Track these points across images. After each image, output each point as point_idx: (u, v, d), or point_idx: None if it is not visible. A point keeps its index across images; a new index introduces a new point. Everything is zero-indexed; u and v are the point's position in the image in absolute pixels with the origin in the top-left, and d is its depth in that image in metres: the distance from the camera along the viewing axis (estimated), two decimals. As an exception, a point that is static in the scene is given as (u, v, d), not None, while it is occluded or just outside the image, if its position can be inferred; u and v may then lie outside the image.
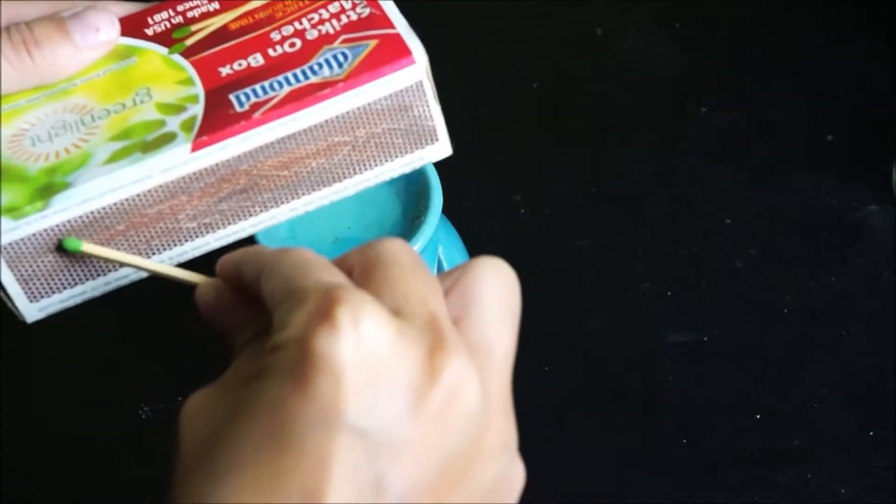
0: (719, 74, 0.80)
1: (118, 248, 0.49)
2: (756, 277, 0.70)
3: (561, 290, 0.71)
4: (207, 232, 0.50)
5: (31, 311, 0.50)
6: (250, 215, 0.50)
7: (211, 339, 0.70)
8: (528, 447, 0.66)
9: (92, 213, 0.47)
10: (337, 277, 0.38)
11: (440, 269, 0.63)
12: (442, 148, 0.51)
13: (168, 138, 0.48)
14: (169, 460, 0.65)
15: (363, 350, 0.35)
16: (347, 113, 0.48)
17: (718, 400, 0.66)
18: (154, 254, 0.50)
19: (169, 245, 0.50)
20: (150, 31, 0.51)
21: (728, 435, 0.65)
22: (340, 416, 0.35)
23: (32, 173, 0.47)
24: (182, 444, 0.39)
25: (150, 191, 0.48)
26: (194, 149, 0.47)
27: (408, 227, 0.59)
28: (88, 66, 0.49)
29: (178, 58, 0.50)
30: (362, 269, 0.39)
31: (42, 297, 0.50)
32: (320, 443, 0.34)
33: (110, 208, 0.48)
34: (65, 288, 0.50)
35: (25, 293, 0.49)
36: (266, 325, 0.39)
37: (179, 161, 0.47)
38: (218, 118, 0.48)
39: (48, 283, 0.49)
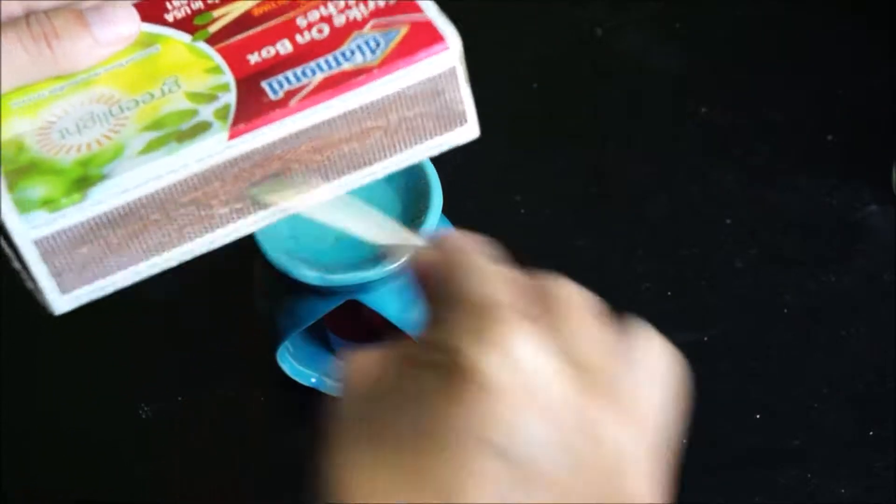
0: (719, 74, 0.80)
1: (151, 237, 0.49)
2: (756, 277, 0.70)
3: (561, 290, 0.71)
4: (239, 217, 0.50)
5: (61, 302, 0.50)
6: (280, 200, 0.49)
7: (211, 340, 0.71)
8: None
9: (128, 203, 0.47)
10: (522, 303, 0.39)
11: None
12: (471, 130, 0.51)
13: (203, 127, 0.47)
14: (169, 460, 0.65)
15: (527, 379, 0.36)
16: (382, 99, 0.48)
17: (718, 400, 0.66)
18: (186, 241, 0.49)
19: (201, 231, 0.49)
20: (170, 17, 0.50)
21: (728, 435, 0.65)
22: (490, 435, 0.36)
23: (66, 165, 0.47)
24: (344, 397, 0.39)
25: (185, 179, 0.47)
26: (231, 137, 0.47)
27: (408, 227, 0.59)
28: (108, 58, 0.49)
29: (203, 45, 0.49)
30: (544, 301, 0.40)
31: (73, 288, 0.49)
32: (464, 454, 0.35)
33: (146, 198, 0.47)
34: (95, 279, 0.49)
35: (58, 285, 0.49)
36: (455, 311, 0.40)
37: (217, 150, 0.47)
38: (252, 106, 0.47)
39: (80, 275, 0.49)
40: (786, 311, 0.69)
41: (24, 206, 0.46)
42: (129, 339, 0.70)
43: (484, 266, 0.41)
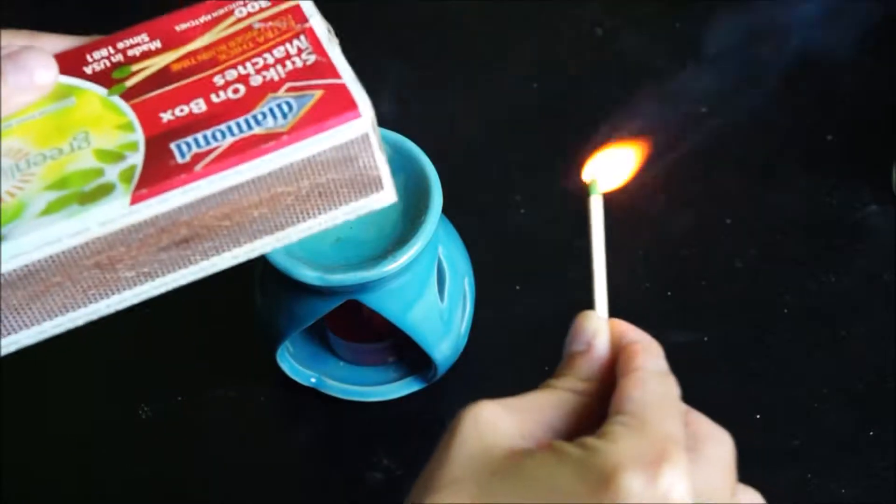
0: (719, 74, 0.80)
1: (53, 299, 0.48)
2: (756, 277, 0.70)
3: (561, 290, 0.71)
4: (146, 280, 0.49)
5: None
6: (191, 263, 0.49)
7: (211, 340, 0.71)
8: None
9: (26, 266, 0.46)
10: (682, 433, 0.42)
11: (440, 269, 0.63)
12: (387, 196, 0.49)
13: (106, 189, 0.46)
14: (169, 460, 0.65)
15: None
16: (291, 165, 0.47)
17: (718, 400, 0.66)
18: (91, 303, 0.49)
19: (106, 294, 0.49)
20: (89, 70, 0.49)
21: (728, 435, 0.65)
22: None
23: None
24: (454, 439, 0.41)
25: (87, 243, 0.46)
26: (133, 202, 0.46)
27: (408, 227, 0.59)
28: (23, 108, 0.48)
29: (117, 100, 0.49)
30: (696, 438, 0.44)
31: None
32: None
33: (46, 261, 0.46)
34: (9, 333, 0.49)
35: None
36: (591, 392, 0.44)
37: (118, 214, 0.46)
38: (158, 169, 0.46)
39: None
40: (786, 311, 0.69)
41: None
42: (129, 339, 0.70)
43: (673, 393, 0.44)
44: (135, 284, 0.49)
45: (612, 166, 0.51)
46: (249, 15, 0.50)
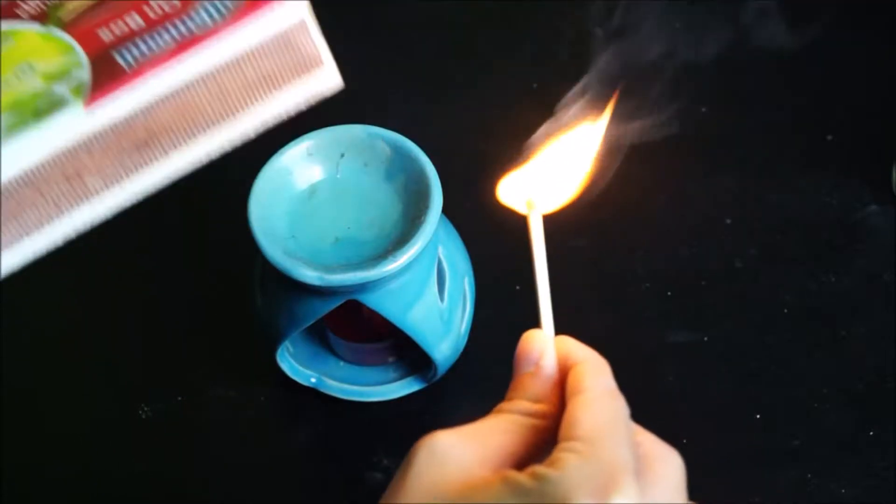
0: (719, 74, 0.80)
1: (29, 215, 0.51)
2: (756, 277, 0.70)
3: (561, 290, 0.71)
4: (113, 187, 0.51)
5: None
6: (153, 165, 0.51)
7: (211, 340, 0.71)
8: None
9: (5, 182, 0.48)
10: (631, 457, 0.42)
11: (440, 269, 0.63)
12: (331, 76, 0.52)
13: (60, 102, 0.49)
14: (169, 460, 0.65)
15: None
16: (234, 56, 0.49)
17: (718, 400, 0.66)
18: (63, 215, 0.51)
19: (77, 203, 0.51)
20: (23, 13, 0.51)
21: (728, 435, 0.65)
22: None
23: None
24: (410, 471, 0.42)
25: (53, 156, 0.49)
26: (86, 107, 0.49)
27: (408, 227, 0.59)
28: None
29: (54, 30, 0.51)
30: (645, 458, 0.43)
31: None
32: None
33: (17, 179, 0.48)
34: None
35: None
36: (543, 413, 0.44)
37: (75, 122, 0.49)
38: (107, 77, 0.49)
39: None
40: (786, 311, 0.69)
41: None
42: (129, 340, 0.70)
43: (622, 414, 0.44)
44: (94, 194, 0.51)
45: (549, 185, 0.51)
46: None
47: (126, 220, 0.75)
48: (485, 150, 0.78)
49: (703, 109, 0.78)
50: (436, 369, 0.64)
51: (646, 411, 0.66)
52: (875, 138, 0.75)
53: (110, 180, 0.51)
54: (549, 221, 0.74)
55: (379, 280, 0.58)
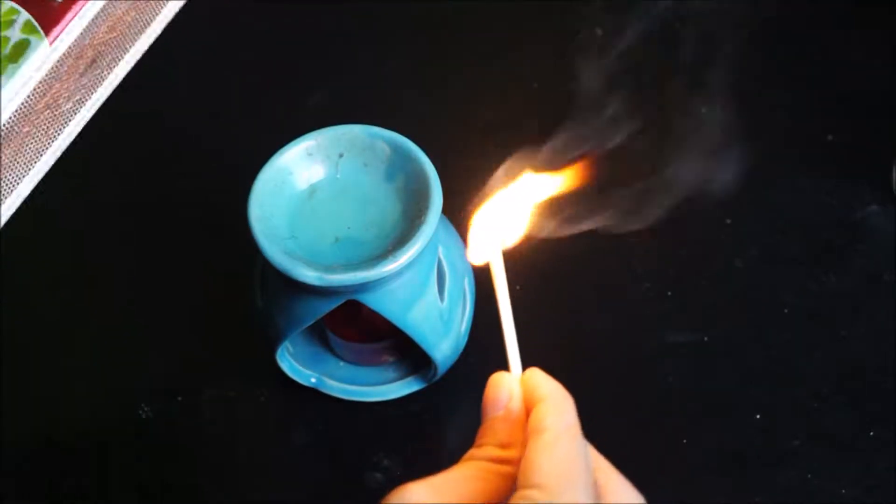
0: (719, 74, 0.80)
1: (28, 148, 0.61)
2: (756, 277, 0.70)
3: (561, 290, 0.71)
4: (81, 107, 0.63)
5: None
6: (105, 79, 0.63)
7: (210, 340, 0.71)
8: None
9: (6, 123, 0.58)
10: (590, 500, 0.42)
11: (440, 269, 0.63)
12: None
13: (24, 45, 0.59)
14: (169, 460, 0.65)
15: None
16: None
17: (718, 400, 0.66)
18: (51, 141, 0.62)
19: (60, 129, 0.62)
20: None
21: (728, 435, 0.65)
22: None
23: None
24: None
25: (35, 90, 0.59)
26: (51, 41, 0.59)
27: (408, 227, 0.59)
28: None
29: None
30: (605, 493, 0.44)
31: None
32: None
33: (15, 115, 0.58)
34: (12, 188, 0.61)
35: None
36: (512, 459, 0.44)
37: (45, 55, 0.59)
38: (48, 14, 0.59)
39: None
40: (786, 311, 0.69)
41: None
42: (129, 339, 0.70)
43: (581, 454, 0.44)
44: (75, 114, 0.63)
45: (504, 224, 0.52)
46: None
47: (127, 220, 0.76)
48: (485, 151, 0.77)
49: (703, 109, 0.78)
50: (436, 369, 0.64)
51: (646, 411, 0.66)
52: (875, 138, 0.75)
53: (77, 101, 0.62)
54: (549, 221, 0.74)
55: (379, 280, 0.58)
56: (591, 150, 0.75)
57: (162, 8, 0.64)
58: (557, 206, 0.74)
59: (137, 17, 0.63)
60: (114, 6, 0.61)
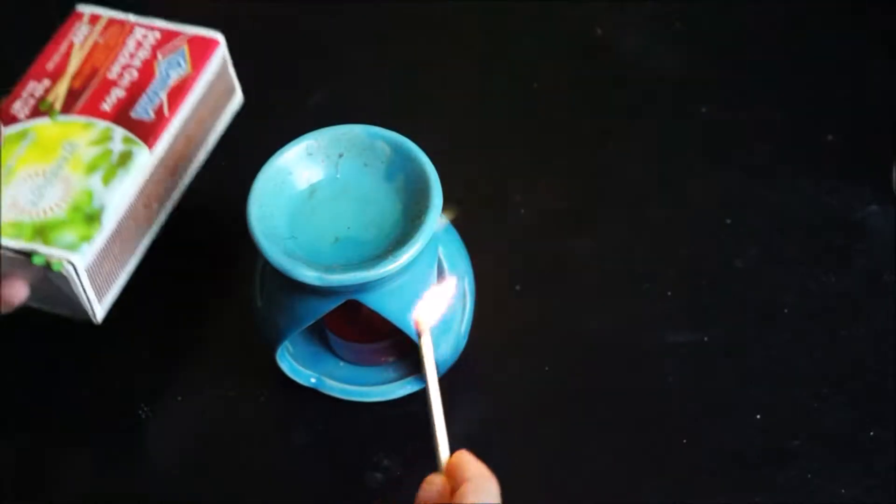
0: (719, 74, 0.80)
1: (131, 240, 0.65)
2: (756, 277, 0.70)
3: (561, 290, 0.71)
4: (162, 209, 0.68)
5: (101, 311, 0.65)
6: (178, 186, 0.69)
7: (210, 340, 0.71)
8: (529, 447, 0.66)
9: (120, 220, 0.63)
10: None
11: (440, 269, 0.63)
12: (238, 99, 0.73)
13: (128, 154, 0.65)
14: (169, 460, 0.65)
15: None
16: (208, 87, 0.69)
17: (718, 400, 0.66)
18: (141, 239, 0.66)
19: (150, 225, 0.67)
20: (21, 116, 0.66)
21: (728, 435, 0.65)
22: None
23: (64, 217, 0.62)
24: None
25: (139, 191, 0.65)
26: (151, 148, 0.65)
27: (408, 227, 0.59)
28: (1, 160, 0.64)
29: (62, 117, 0.66)
30: None
31: (102, 297, 0.65)
32: None
33: (126, 212, 0.64)
34: (109, 286, 0.65)
35: (98, 298, 0.64)
36: None
37: (147, 161, 0.65)
38: (142, 128, 0.66)
39: (104, 285, 0.64)
40: (786, 311, 0.69)
41: (71, 247, 0.61)
42: (129, 339, 0.70)
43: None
44: (158, 215, 0.67)
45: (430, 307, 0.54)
46: (86, 37, 0.70)
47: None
48: (485, 150, 0.78)
49: (703, 109, 0.78)
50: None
51: (646, 411, 0.66)
52: (875, 138, 0.75)
53: (161, 204, 0.67)
54: (549, 221, 0.74)
55: (379, 280, 0.58)
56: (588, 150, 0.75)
57: (216, 122, 0.71)
58: (558, 213, 0.74)
59: (208, 125, 0.70)
60: (193, 120, 0.68)
